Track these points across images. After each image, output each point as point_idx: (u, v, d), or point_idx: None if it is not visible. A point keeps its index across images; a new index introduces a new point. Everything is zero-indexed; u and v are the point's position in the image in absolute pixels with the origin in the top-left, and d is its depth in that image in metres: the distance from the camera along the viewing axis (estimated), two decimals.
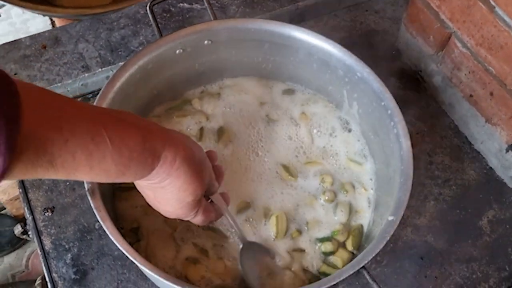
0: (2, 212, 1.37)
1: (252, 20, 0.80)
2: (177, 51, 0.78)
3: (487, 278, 0.82)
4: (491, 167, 0.93)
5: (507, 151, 0.88)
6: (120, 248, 0.58)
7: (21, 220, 1.35)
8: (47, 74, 0.91)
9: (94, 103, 0.68)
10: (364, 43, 1.06)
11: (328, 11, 1.09)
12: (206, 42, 0.79)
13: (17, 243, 1.36)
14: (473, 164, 0.93)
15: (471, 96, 0.92)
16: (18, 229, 1.26)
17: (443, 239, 0.85)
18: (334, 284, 0.58)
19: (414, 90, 1.01)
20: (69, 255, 0.78)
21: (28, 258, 1.26)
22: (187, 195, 0.55)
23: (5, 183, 1.30)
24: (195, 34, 0.78)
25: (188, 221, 0.63)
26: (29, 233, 1.24)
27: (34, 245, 1.41)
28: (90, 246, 0.79)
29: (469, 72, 0.90)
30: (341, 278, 0.58)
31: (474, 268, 0.83)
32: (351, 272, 0.58)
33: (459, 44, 0.90)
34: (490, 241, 0.85)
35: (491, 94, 0.87)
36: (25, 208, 0.83)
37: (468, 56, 0.89)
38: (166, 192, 0.54)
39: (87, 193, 0.61)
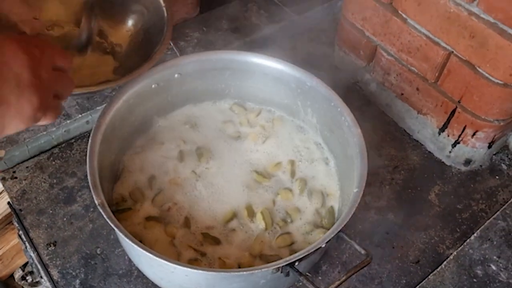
0: None
1: (214, 52, 0.93)
2: (153, 86, 0.90)
3: (444, 240, 0.96)
4: (429, 151, 1.09)
5: (439, 134, 1.05)
6: (132, 244, 0.67)
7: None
8: None
9: (91, 134, 0.78)
10: (307, 66, 1.22)
11: (271, 43, 1.25)
12: (176, 75, 0.92)
13: None
14: (414, 151, 1.10)
15: (402, 94, 1.09)
16: (18, 274, 1.28)
17: (402, 215, 0.99)
18: (323, 250, 0.69)
19: (355, 98, 1.17)
20: (77, 280, 0.85)
21: None
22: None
23: None
24: (166, 70, 0.90)
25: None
26: (27, 277, 1.26)
27: None
28: (95, 270, 0.87)
29: (397, 75, 1.08)
30: (326, 240, 0.69)
31: (431, 234, 0.96)
32: (333, 235, 0.70)
33: (384, 53, 1.08)
34: (440, 211, 1.00)
35: (418, 89, 1.05)
36: (28, 247, 0.89)
37: (394, 62, 1.07)
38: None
39: (99, 207, 0.70)
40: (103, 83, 0.83)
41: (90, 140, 0.77)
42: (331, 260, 0.91)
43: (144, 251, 0.67)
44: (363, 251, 0.69)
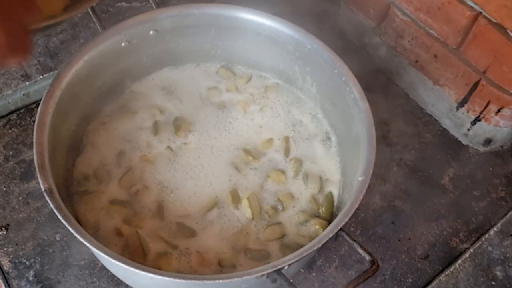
0: None
1: (196, 5, 0.78)
2: (123, 44, 0.75)
3: (457, 233, 0.84)
4: (444, 128, 0.96)
5: (457, 109, 0.91)
6: (87, 243, 0.55)
7: None
8: None
9: (41, 102, 0.64)
10: (307, 26, 1.07)
11: None
12: (151, 32, 0.77)
13: None
14: (427, 127, 0.96)
15: (416, 61, 0.94)
16: None
17: (410, 202, 0.86)
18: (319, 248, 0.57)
19: (362, 64, 1.01)
20: (31, 271, 0.73)
21: None
22: None
23: None
24: (140, 25, 0.76)
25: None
26: None
27: None
28: (53, 259, 0.75)
29: (412, 39, 0.93)
30: (322, 242, 0.57)
31: (444, 225, 0.84)
32: (331, 235, 0.57)
33: (398, 13, 0.92)
34: (454, 198, 0.87)
35: (435, 56, 0.90)
36: None
37: (409, 23, 0.91)
38: None
39: (45, 194, 0.57)
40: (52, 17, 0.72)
41: (39, 110, 0.64)
42: (328, 253, 0.79)
43: (98, 251, 0.54)
44: (367, 257, 0.57)
